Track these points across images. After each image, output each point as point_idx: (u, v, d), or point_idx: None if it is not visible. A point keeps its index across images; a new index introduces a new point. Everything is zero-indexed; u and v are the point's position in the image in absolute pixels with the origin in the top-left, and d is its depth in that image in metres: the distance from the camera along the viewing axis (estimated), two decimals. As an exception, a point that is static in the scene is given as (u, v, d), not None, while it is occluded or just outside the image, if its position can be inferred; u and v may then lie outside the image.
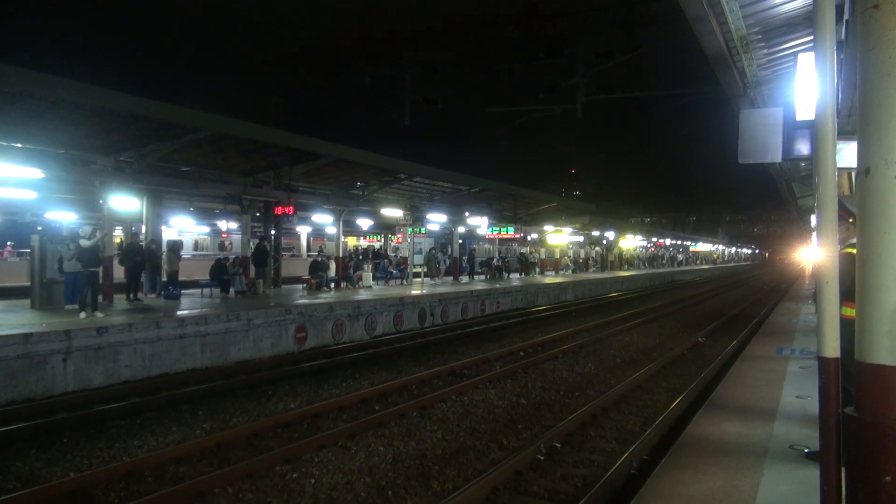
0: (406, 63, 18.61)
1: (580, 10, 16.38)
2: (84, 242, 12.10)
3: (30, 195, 15.62)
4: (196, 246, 42.01)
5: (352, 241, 47.37)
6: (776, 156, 5.93)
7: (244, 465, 6.43)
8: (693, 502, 4.37)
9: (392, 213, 23.24)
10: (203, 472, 6.38)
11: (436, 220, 26.26)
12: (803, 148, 5.73)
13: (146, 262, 16.03)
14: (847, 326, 2.47)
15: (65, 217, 24.65)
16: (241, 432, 7.73)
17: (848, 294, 2.74)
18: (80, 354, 9.88)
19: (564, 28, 16.67)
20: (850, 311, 2.65)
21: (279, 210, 18.90)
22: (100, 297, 12.65)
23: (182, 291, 16.78)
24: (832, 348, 2.39)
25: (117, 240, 23.23)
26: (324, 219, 24.97)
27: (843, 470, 2.37)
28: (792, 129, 5.71)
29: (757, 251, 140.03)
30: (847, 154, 5.68)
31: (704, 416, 6.70)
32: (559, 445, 7.31)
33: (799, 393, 7.54)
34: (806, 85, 5.94)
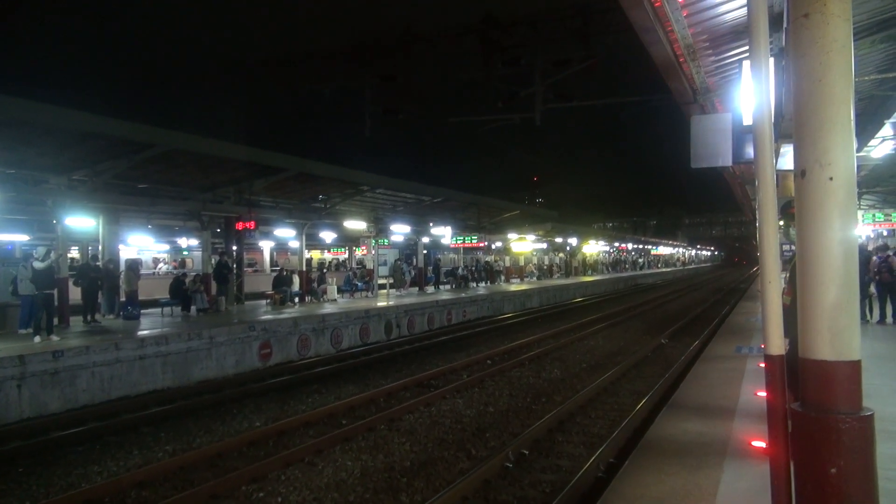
0: (366, 74, 18.64)
1: (538, 19, 16.64)
2: (37, 264, 11.71)
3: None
4: (155, 264, 41.03)
5: (315, 255, 46.88)
6: (727, 160, 6.10)
7: (208, 487, 6.31)
8: (656, 502, 4.44)
9: (356, 225, 23.15)
10: (166, 496, 6.24)
11: (400, 230, 26.24)
12: (751, 151, 5.87)
13: (103, 281, 15.62)
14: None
15: (17, 238, 23.89)
16: (204, 453, 7.58)
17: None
18: (36, 380, 9.57)
19: (523, 38, 16.84)
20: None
21: (240, 225, 18.62)
22: (55, 320, 12.27)
23: (142, 311, 16.40)
24: (776, 346, 2.45)
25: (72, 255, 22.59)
26: (286, 233, 24.76)
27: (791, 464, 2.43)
28: (740, 133, 5.85)
29: (717, 253, 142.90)
30: (791, 157, 5.87)
31: (666, 417, 6.82)
32: (527, 452, 7.35)
33: (757, 390, 7.71)
34: (751, 90, 6.12)
